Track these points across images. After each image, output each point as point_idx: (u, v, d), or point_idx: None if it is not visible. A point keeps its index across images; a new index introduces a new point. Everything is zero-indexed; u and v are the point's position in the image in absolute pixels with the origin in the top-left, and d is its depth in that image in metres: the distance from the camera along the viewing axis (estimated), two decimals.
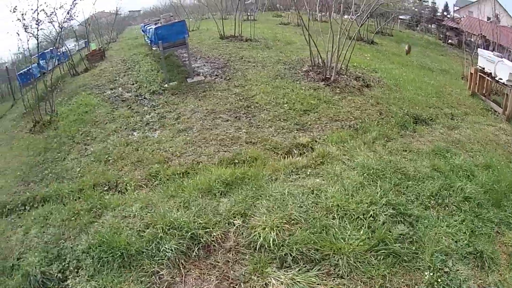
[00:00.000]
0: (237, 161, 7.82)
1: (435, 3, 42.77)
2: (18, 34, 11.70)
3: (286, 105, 10.28)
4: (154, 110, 10.83)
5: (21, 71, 16.15)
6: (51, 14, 12.31)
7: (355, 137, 8.48)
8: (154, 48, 14.61)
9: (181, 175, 7.49)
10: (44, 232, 6.58)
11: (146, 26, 19.35)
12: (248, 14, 36.99)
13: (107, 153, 8.76)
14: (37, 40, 12.14)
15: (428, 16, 39.82)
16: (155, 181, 7.46)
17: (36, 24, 11.53)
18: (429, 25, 41.64)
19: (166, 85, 12.50)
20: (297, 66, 13.73)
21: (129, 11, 41.79)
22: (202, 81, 12.67)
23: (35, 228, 6.78)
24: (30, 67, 14.89)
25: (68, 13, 13.07)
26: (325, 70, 12.14)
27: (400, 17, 34.31)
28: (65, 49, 19.51)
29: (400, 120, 9.53)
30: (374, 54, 18.07)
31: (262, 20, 27.98)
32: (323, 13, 31.34)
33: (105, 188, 7.52)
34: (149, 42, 16.88)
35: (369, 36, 23.33)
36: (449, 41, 30.87)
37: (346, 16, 35.36)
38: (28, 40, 11.99)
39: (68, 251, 5.87)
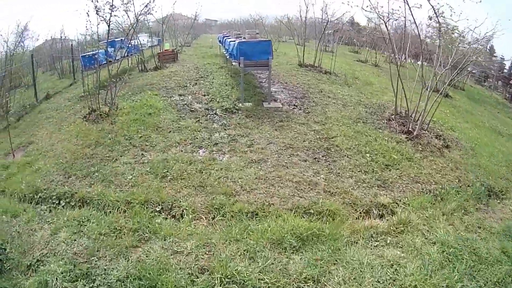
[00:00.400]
0: (313, 211, 6.90)
1: (503, 58, 40.40)
2: (88, 15, 11.34)
3: (368, 155, 9.32)
4: (225, 130, 10.15)
5: (86, 54, 15.98)
6: (127, 2, 12.18)
7: (435, 204, 7.71)
8: (234, 64, 14.05)
9: (248, 215, 6.63)
10: (75, 240, 5.90)
11: (225, 38, 19.10)
12: (326, 44, 36.72)
13: (166, 167, 8.06)
14: (108, 26, 11.74)
15: (496, 73, 37.96)
16: (217, 215, 6.64)
17: (109, 9, 11.24)
18: (497, 82, 39.73)
19: (240, 105, 11.87)
20: (378, 112, 12.75)
21: (206, 18, 42.42)
22: (279, 109, 11.94)
23: (65, 231, 6.13)
24: (97, 52, 14.70)
25: (146, 6, 12.78)
26: (408, 122, 11.12)
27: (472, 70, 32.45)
28: (137, 42, 19.41)
29: (476, 190, 8.48)
30: (450, 109, 16.80)
31: (339, 53, 27.16)
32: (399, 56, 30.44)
33: (158, 209, 6.79)
34: (227, 55, 16.49)
35: (441, 87, 21.85)
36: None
37: (419, 62, 34.57)
38: (98, 24, 11.75)
39: (99, 273, 5.13)
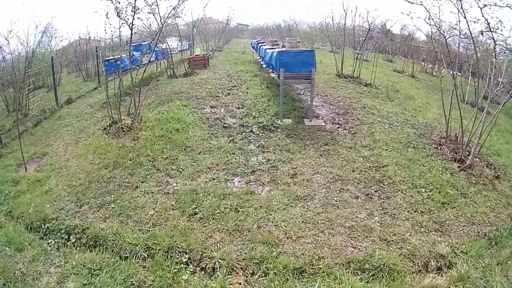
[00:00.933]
0: (368, 266, 5.58)
1: None
2: (108, 17, 9.99)
3: (423, 190, 7.93)
4: (263, 152, 8.81)
5: (109, 58, 14.93)
6: (152, 4, 10.76)
7: (490, 251, 6.64)
8: (272, 75, 12.61)
9: (295, 272, 5.31)
10: None
11: (260, 44, 17.81)
12: (360, 52, 35.16)
13: (194, 201, 6.78)
14: (131, 29, 10.33)
15: None
16: (257, 271, 5.33)
17: (132, 11, 9.90)
18: None
19: (279, 122, 10.54)
20: (426, 133, 11.20)
21: (237, 23, 41.32)
22: (322, 128, 10.56)
23: (74, 280, 5.15)
24: (120, 56, 13.66)
25: (174, 8, 11.54)
26: (460, 149, 9.67)
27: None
28: (165, 46, 18.30)
29: None
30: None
31: (373, 61, 25.71)
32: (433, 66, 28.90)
33: (184, 259, 5.52)
34: (262, 63, 15.19)
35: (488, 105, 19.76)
36: None
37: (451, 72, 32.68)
38: (120, 27, 10.39)
39: None
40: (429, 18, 9.68)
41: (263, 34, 37.23)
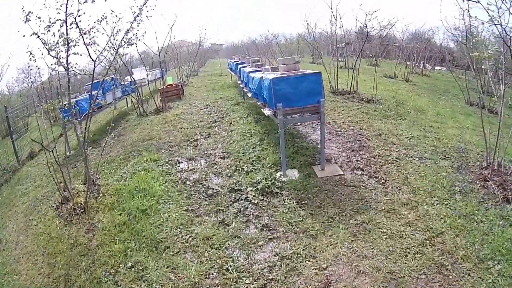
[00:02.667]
0: None
1: None
2: (31, 58, 6.84)
3: (490, 263, 5.04)
4: (271, 240, 5.68)
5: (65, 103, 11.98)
6: (89, 31, 7.19)
7: None
8: (266, 112, 8.19)
9: None
10: None
11: (239, 65, 14.61)
12: (339, 59, 32.36)
13: None
14: (67, 69, 7.04)
15: None
16: None
17: (63, 45, 6.80)
18: None
19: (283, 177, 7.48)
20: (463, 163, 8.24)
21: (211, 43, 38.16)
22: (341, 179, 7.54)
23: None
24: (76, 99, 10.69)
25: (126, 33, 8.48)
26: (507, 182, 7.05)
27: None
28: (135, 77, 15.20)
29: None
30: None
31: (357, 68, 22.90)
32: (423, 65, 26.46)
33: None
34: (245, 89, 12.10)
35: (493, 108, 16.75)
36: None
37: (438, 67, 30.40)
38: (54, 69, 7.51)
39: None
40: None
41: (238, 52, 34.17)
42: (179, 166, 8.42)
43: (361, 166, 7.97)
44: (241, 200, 6.83)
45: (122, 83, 16.13)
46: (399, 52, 26.19)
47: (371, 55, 29.64)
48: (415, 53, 26.08)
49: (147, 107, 14.96)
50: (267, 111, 7.78)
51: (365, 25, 14.21)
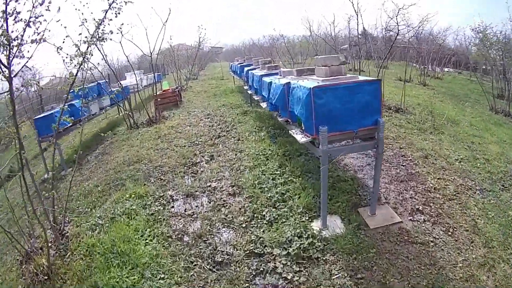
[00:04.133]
0: None
1: None
2: None
3: None
4: None
5: (41, 115, 9.44)
6: (35, 21, 4.45)
7: None
8: (299, 137, 5.24)
9: None
10: None
11: (246, 68, 11.94)
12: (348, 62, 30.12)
13: None
14: (9, 78, 4.30)
15: None
16: None
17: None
18: None
19: (323, 232, 4.96)
20: None
21: (211, 46, 35.54)
22: (399, 227, 5.22)
23: None
24: (52, 112, 8.26)
25: (99, 26, 6.03)
26: None
27: None
28: (120, 84, 12.66)
29: None
30: None
31: (365, 70, 20.55)
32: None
33: None
34: (255, 96, 9.57)
35: None
36: None
37: (446, 69, 28.35)
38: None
39: None
40: None
41: (239, 54, 31.47)
42: (173, 207, 5.90)
43: (419, 207, 5.72)
44: (267, 272, 4.34)
45: (112, 89, 13.62)
46: (410, 53, 23.72)
47: (376, 57, 27.08)
48: (426, 55, 23.66)
49: (139, 117, 12.43)
50: (300, 137, 5.11)
51: (396, 21, 11.46)
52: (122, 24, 8.44)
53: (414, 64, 23.84)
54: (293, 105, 5.12)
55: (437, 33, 27.01)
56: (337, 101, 4.47)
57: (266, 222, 5.16)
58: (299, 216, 5.26)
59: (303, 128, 4.97)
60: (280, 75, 7.28)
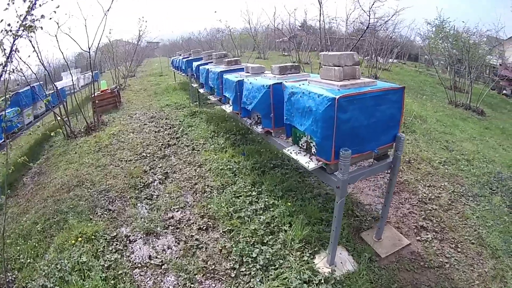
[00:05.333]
0: None
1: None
2: None
3: None
4: None
5: None
6: None
7: None
8: (310, 165, 3.51)
9: None
10: None
11: (197, 64, 9.81)
12: (284, 54, 29.10)
13: None
14: None
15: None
16: None
17: None
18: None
19: (334, 272, 3.69)
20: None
21: (147, 42, 33.06)
22: (410, 251, 4.34)
23: None
24: None
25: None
26: None
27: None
28: (55, 86, 10.71)
29: None
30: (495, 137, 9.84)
31: (316, 64, 19.53)
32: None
33: None
34: (226, 105, 6.83)
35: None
36: (504, 91, 22.25)
37: (390, 60, 28.27)
38: None
39: None
40: None
41: (177, 49, 29.38)
42: (133, 253, 4.37)
43: (422, 223, 4.87)
44: None
45: (49, 93, 11.60)
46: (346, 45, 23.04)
47: (315, 49, 26.17)
48: (368, 46, 23.08)
49: (76, 123, 10.57)
50: (307, 161, 3.60)
51: (368, 14, 10.25)
52: (58, 6, 6.53)
53: (360, 56, 23.30)
54: (293, 116, 3.74)
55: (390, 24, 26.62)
56: (363, 115, 3.25)
57: (260, 267, 3.81)
58: (299, 253, 3.98)
59: (312, 151, 3.61)
60: (248, 72, 5.90)
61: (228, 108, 6.42)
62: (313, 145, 3.52)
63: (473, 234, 4.73)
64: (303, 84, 3.70)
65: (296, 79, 4.49)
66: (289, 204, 4.80)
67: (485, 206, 5.41)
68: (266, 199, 4.97)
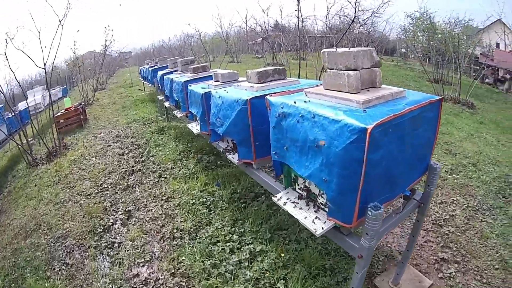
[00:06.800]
0: None
1: None
2: None
3: None
4: None
5: None
6: None
7: None
8: (318, 230, 2.21)
9: None
10: None
11: (161, 73, 8.38)
12: (257, 56, 27.80)
13: None
14: None
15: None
16: None
17: None
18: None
19: None
20: None
21: (120, 52, 31.19)
22: None
23: None
24: None
25: None
26: None
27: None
28: (13, 110, 9.24)
29: None
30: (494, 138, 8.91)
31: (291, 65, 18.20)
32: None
33: None
34: (192, 124, 5.59)
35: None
36: (486, 80, 21.61)
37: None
38: None
39: None
40: None
41: (149, 57, 27.65)
42: None
43: (441, 255, 3.78)
44: None
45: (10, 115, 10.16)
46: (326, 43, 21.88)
47: (295, 49, 24.82)
48: (345, 42, 21.94)
49: (39, 148, 9.14)
50: (317, 223, 2.25)
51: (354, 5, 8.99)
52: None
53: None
54: (286, 151, 2.47)
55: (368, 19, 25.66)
56: (397, 148, 2.02)
57: None
58: None
59: (319, 201, 2.39)
60: (217, 81, 4.59)
61: (195, 128, 5.10)
62: (320, 195, 2.30)
63: (496, 257, 3.75)
64: (300, 100, 2.40)
65: (283, 88, 3.22)
66: (281, 250, 3.55)
67: (502, 220, 4.40)
68: (251, 245, 3.71)
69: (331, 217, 2.18)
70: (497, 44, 20.60)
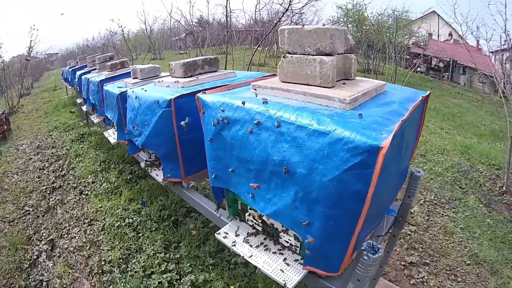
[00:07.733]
0: None
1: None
2: None
3: None
4: None
5: None
6: None
7: None
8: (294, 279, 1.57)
9: None
10: None
11: (80, 73, 7.24)
12: (180, 52, 26.49)
13: None
14: None
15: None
16: None
17: None
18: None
19: None
20: (478, 189, 4.93)
21: (46, 54, 28.37)
22: None
23: None
24: None
25: None
26: None
27: None
28: None
29: None
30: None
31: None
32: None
33: None
34: (110, 132, 4.69)
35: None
36: (418, 69, 22.33)
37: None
38: None
39: None
40: None
41: (74, 58, 25.43)
42: None
43: (408, 259, 3.41)
44: None
45: None
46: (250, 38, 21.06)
47: (218, 43, 23.74)
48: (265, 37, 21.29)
49: None
50: (286, 271, 1.55)
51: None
52: None
53: (260, 47, 21.38)
54: (232, 174, 1.70)
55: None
56: (395, 163, 1.38)
57: None
58: None
59: (290, 243, 1.71)
60: (136, 77, 3.72)
61: (112, 136, 4.18)
62: (285, 231, 1.61)
63: (465, 252, 3.52)
64: (250, 99, 1.62)
65: (217, 83, 2.46)
66: (228, 278, 2.82)
67: (464, 212, 4.21)
68: (192, 274, 2.93)
69: (308, 266, 1.49)
70: (430, 35, 21.22)
